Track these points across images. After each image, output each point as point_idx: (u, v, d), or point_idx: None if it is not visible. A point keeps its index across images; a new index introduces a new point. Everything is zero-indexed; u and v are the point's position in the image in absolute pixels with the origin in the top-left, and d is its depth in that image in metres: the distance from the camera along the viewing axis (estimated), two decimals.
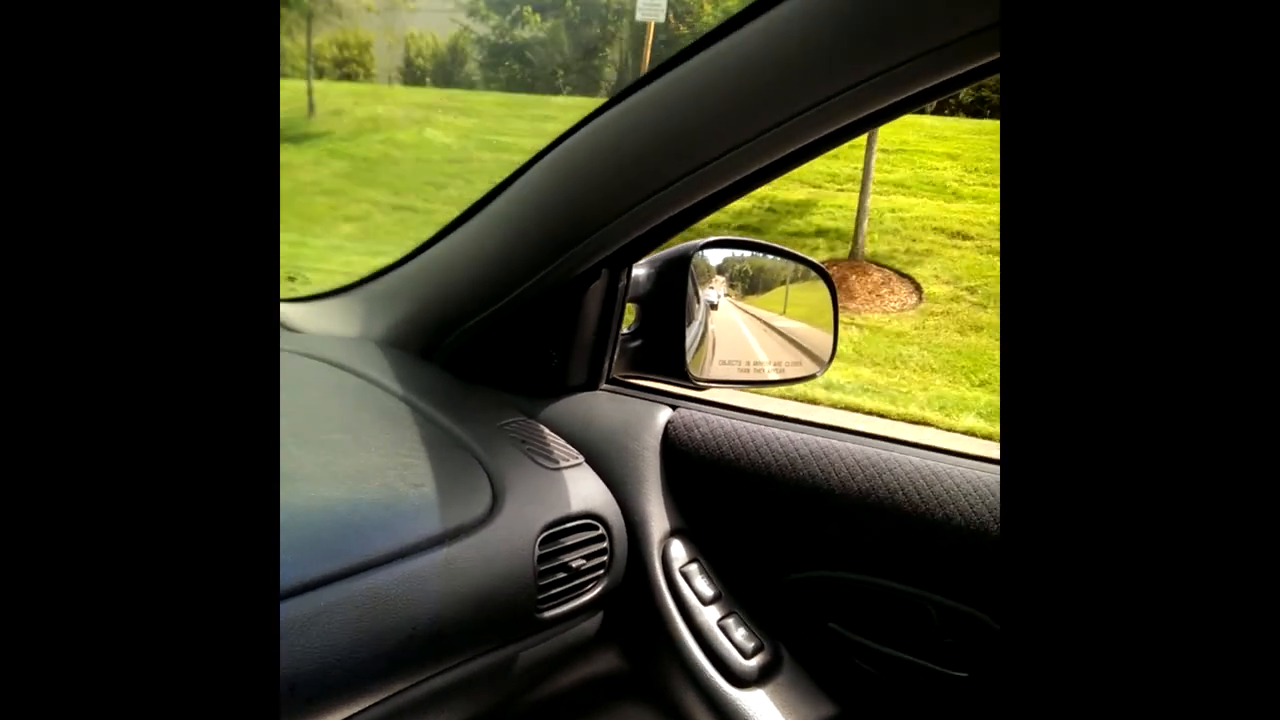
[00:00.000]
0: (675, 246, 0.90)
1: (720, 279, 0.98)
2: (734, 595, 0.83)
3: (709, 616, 0.79)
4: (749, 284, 1.02)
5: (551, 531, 0.71)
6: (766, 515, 0.81)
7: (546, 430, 0.83)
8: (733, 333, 1.00)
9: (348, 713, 0.54)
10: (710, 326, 0.97)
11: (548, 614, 0.70)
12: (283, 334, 0.91)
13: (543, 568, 0.69)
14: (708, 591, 0.81)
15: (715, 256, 0.95)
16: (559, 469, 0.77)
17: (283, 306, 1.00)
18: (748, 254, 0.98)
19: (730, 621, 0.80)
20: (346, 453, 0.64)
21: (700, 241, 0.89)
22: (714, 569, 0.83)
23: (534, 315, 0.87)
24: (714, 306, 0.97)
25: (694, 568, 0.82)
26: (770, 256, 1.01)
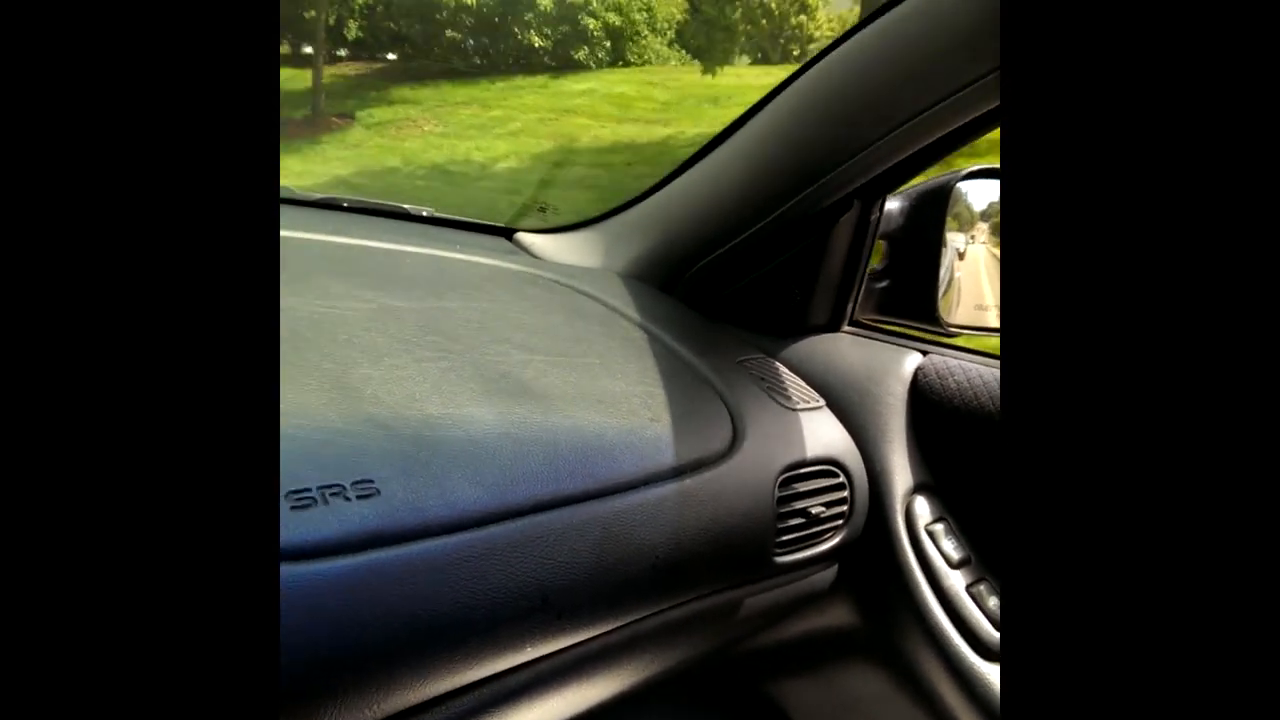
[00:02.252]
0: (934, 178, 0.82)
1: (983, 225, 0.89)
2: (985, 562, 0.76)
3: (956, 581, 0.73)
4: None
5: (791, 474, 0.67)
6: None
7: (786, 370, 0.80)
8: (989, 273, 0.91)
9: (591, 633, 0.54)
10: (957, 273, 0.88)
11: (784, 559, 0.67)
12: (532, 261, 0.93)
13: (781, 510, 0.66)
14: (955, 554, 0.74)
15: (979, 192, 0.86)
16: (799, 410, 0.73)
17: (532, 236, 1.03)
18: None
19: (982, 589, 0.73)
20: (595, 376, 0.63)
21: (962, 171, 0.81)
22: (963, 530, 0.76)
23: (778, 250, 0.83)
24: (961, 255, 0.89)
25: (940, 527, 0.75)
26: None
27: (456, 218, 1.07)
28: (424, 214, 1.05)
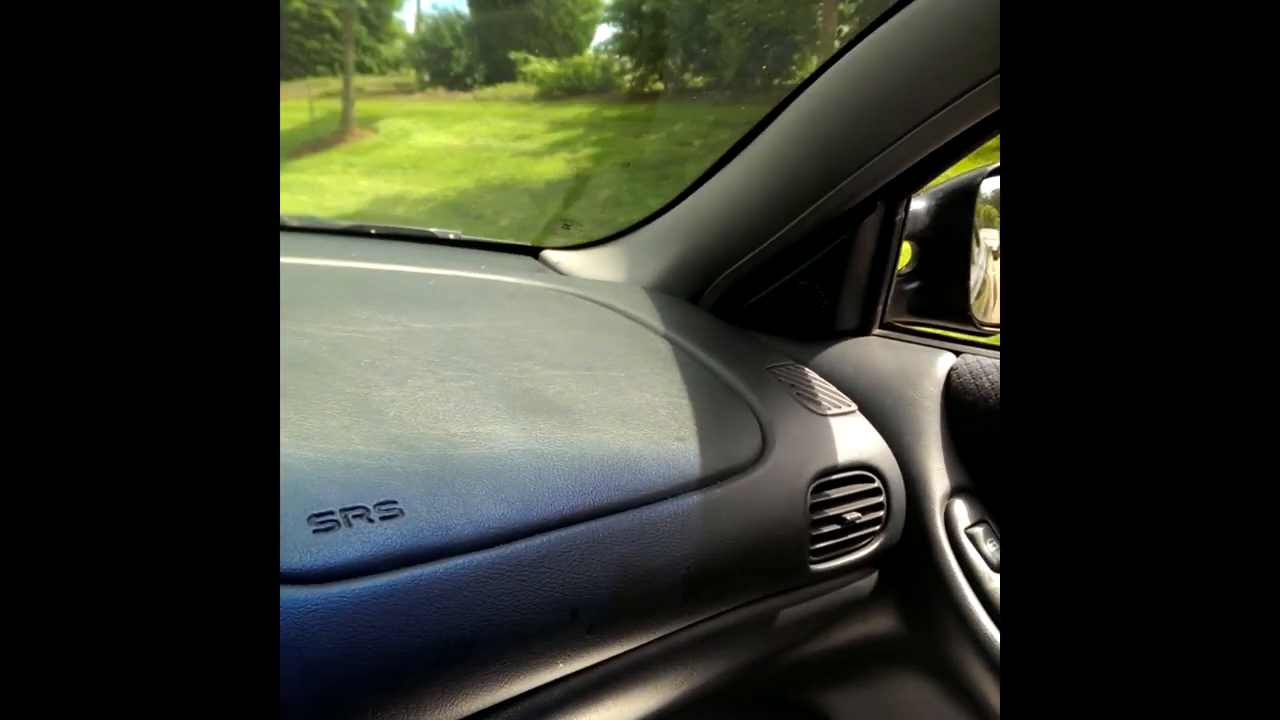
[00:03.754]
0: (959, 175, 0.81)
1: None
2: None
3: (1000, 585, 0.71)
4: None
5: (823, 480, 0.66)
6: None
7: (815, 375, 0.79)
8: None
9: (625, 648, 0.53)
10: (991, 272, 0.86)
11: (820, 566, 0.66)
12: (558, 278, 0.93)
13: (815, 517, 0.65)
14: (997, 557, 0.72)
15: None
16: (830, 415, 0.72)
17: (558, 254, 1.03)
18: None
19: None
20: (620, 390, 0.63)
21: (989, 167, 0.80)
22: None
23: (803, 255, 0.82)
24: (995, 255, 0.87)
25: (980, 530, 0.73)
26: None
27: (482, 239, 1.07)
28: (450, 236, 1.06)
